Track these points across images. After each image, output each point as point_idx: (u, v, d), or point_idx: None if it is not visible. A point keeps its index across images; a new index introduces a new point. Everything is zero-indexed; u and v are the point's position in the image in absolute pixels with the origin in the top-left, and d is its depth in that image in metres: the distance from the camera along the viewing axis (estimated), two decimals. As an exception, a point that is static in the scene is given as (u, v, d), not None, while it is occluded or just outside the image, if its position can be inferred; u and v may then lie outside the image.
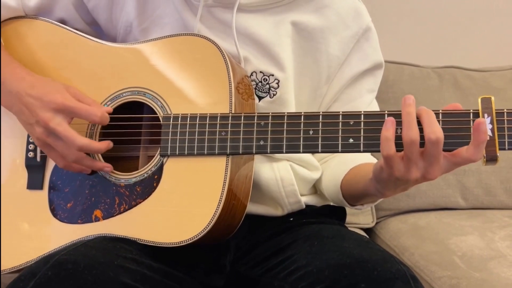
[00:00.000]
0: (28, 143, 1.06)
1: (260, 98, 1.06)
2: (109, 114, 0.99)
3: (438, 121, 0.85)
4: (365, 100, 1.13)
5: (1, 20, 1.11)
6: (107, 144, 0.99)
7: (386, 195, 0.95)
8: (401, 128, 0.85)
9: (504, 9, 2.07)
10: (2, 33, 1.11)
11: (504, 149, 0.84)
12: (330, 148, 0.90)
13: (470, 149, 0.82)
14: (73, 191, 1.01)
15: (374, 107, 1.16)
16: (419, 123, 0.84)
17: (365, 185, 0.97)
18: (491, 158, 0.83)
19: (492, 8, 2.07)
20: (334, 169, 1.11)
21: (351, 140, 0.90)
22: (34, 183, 1.04)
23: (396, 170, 0.85)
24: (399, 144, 0.84)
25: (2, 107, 1.04)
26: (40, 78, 1.02)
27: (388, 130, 0.85)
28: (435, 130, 0.82)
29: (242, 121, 0.94)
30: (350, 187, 1.05)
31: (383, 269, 0.83)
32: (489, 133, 0.83)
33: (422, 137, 0.83)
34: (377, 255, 0.86)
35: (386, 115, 0.88)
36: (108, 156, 1.02)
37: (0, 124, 1.08)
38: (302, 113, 0.92)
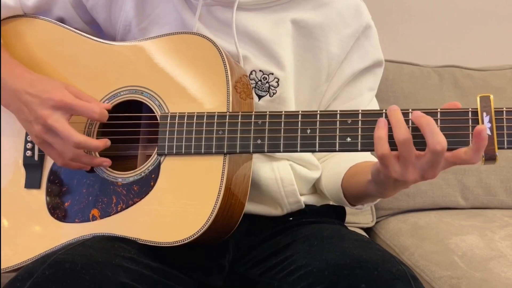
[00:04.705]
0: (26, 142, 1.06)
1: (260, 97, 1.06)
2: (108, 111, 0.99)
3: (436, 120, 0.84)
4: (365, 98, 1.13)
5: (0, 19, 1.11)
6: (104, 142, 0.99)
7: (387, 196, 0.94)
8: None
9: (504, 8, 2.07)
10: (1, 32, 1.11)
11: (503, 148, 0.83)
12: (328, 147, 0.90)
13: (470, 153, 0.81)
14: (70, 190, 1.01)
15: (374, 105, 1.16)
16: (416, 129, 0.84)
17: (365, 186, 0.97)
18: (490, 157, 0.83)
19: (492, 8, 2.07)
20: (334, 168, 1.11)
21: (348, 139, 0.89)
22: (31, 182, 1.04)
23: (393, 171, 0.84)
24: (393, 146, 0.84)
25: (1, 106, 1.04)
26: (39, 76, 1.02)
27: (380, 130, 0.84)
28: (440, 141, 0.81)
29: (239, 120, 0.94)
30: (351, 187, 1.05)
31: (383, 269, 0.82)
32: (488, 132, 0.82)
33: (423, 143, 0.83)
34: (377, 255, 0.86)
35: (384, 114, 0.87)
36: (105, 155, 1.01)
37: (0, 124, 1.08)
38: (300, 112, 0.92)
